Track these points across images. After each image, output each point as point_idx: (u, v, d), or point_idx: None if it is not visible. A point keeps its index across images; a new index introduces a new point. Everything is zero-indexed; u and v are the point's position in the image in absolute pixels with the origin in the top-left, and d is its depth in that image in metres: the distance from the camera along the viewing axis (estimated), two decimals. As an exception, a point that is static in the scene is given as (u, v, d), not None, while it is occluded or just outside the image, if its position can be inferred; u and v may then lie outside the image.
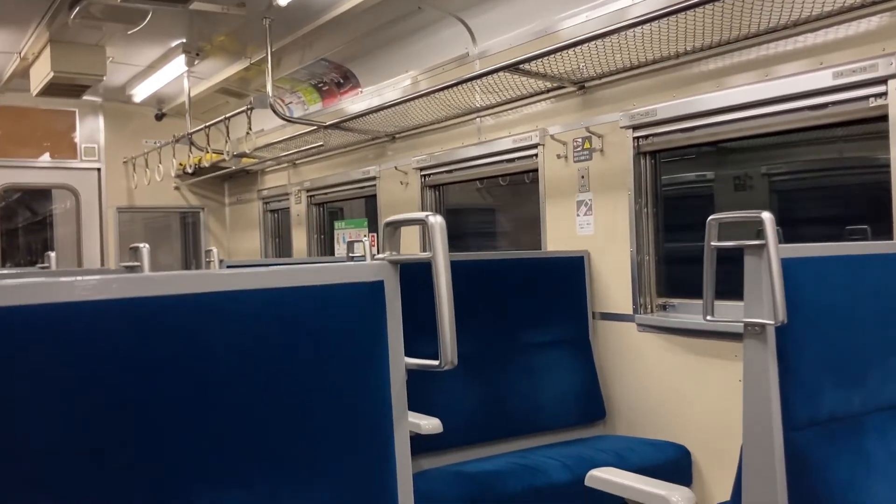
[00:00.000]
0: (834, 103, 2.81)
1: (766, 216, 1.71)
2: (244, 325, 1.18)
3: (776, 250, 1.70)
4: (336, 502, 1.24)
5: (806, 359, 1.82)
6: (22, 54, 5.57)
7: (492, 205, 6.54)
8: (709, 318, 1.88)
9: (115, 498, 1.07)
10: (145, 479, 1.09)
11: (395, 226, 1.34)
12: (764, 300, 1.75)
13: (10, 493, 1.01)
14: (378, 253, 1.36)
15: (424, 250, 1.29)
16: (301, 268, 1.26)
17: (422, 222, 1.27)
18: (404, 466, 1.33)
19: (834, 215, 3.41)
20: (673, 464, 3.19)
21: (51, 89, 5.47)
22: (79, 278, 1.07)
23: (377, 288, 1.31)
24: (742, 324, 1.83)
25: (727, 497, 2.09)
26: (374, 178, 5.51)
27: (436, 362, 1.26)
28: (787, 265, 1.75)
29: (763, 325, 1.76)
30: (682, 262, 3.68)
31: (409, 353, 1.36)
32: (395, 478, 1.31)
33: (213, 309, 1.16)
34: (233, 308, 1.17)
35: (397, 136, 5.23)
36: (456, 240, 5.15)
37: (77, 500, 1.04)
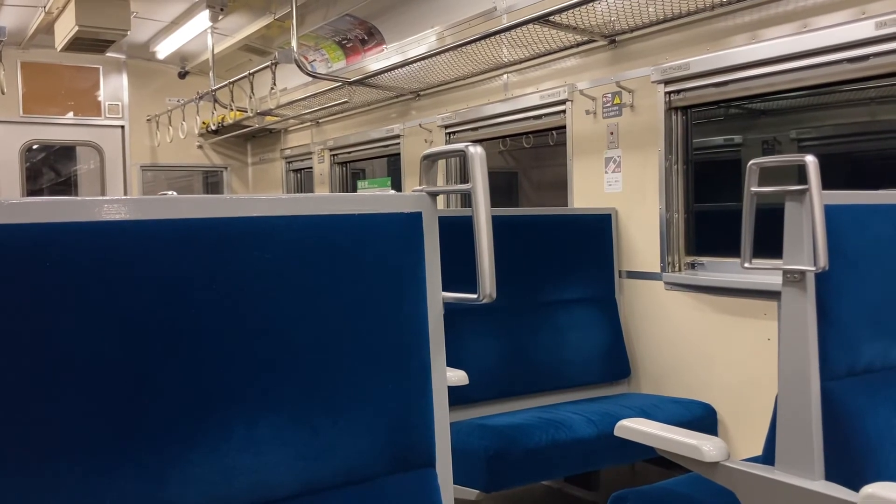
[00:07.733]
0: (876, 55, 2.72)
1: (810, 159, 1.67)
2: (281, 250, 1.16)
3: (819, 195, 1.66)
4: (372, 431, 1.23)
5: (845, 308, 1.79)
6: (46, 8, 5.55)
7: (514, 168, 6.49)
8: (746, 265, 1.84)
9: (150, 420, 1.06)
10: (180, 402, 1.08)
11: (433, 158, 1.32)
12: (804, 246, 1.71)
13: (42, 412, 1.00)
14: None
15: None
16: (339, 196, 1.25)
17: (461, 153, 1.24)
18: (441, 398, 1.32)
19: (866, 183, 3.34)
20: (698, 422, 3.17)
21: (75, 44, 5.45)
22: (116, 197, 1.05)
23: (415, 219, 1.28)
24: (781, 272, 1.79)
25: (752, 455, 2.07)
26: (397, 137, 5.47)
27: (473, 296, 1.24)
28: (829, 211, 1.70)
29: (803, 272, 1.72)
30: (710, 221, 3.63)
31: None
32: (432, 408, 1.30)
33: (250, 234, 1.14)
34: (270, 233, 1.15)
35: (421, 93, 5.17)
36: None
37: (111, 421, 1.03)
